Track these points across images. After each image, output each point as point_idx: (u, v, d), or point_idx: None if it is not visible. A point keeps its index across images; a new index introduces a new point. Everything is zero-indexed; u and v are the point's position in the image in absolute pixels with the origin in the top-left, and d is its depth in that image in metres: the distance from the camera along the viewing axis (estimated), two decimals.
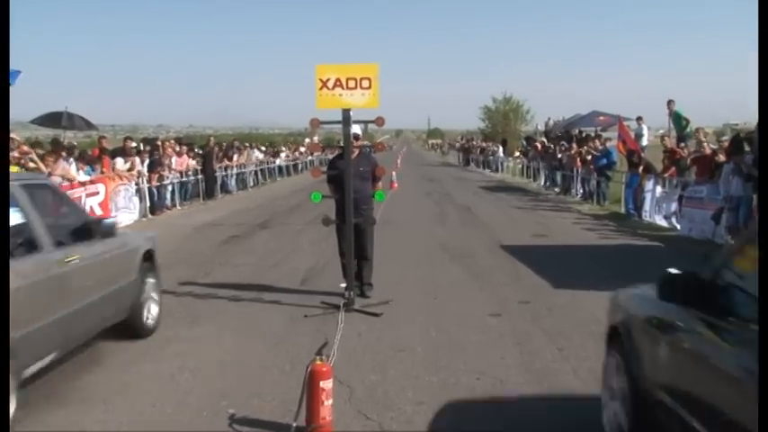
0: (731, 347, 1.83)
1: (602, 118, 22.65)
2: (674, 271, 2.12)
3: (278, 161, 31.68)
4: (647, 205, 13.49)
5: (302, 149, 38.23)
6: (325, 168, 6.88)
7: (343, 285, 6.46)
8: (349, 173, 6.39)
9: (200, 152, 20.19)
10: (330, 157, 10.00)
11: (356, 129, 6.71)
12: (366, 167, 6.70)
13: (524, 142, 34.75)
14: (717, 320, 1.91)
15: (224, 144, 23.39)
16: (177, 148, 18.21)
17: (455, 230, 12.36)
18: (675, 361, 1.96)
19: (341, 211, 6.53)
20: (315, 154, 38.73)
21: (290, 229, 12.52)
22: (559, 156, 21.57)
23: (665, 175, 13.26)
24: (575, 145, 20.18)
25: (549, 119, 42.45)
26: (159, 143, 18.14)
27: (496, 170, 35.43)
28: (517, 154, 35.05)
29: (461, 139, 68.71)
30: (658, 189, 13.20)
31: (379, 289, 7.09)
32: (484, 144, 45.99)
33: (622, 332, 2.38)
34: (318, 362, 3.74)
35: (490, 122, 49.83)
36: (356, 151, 6.61)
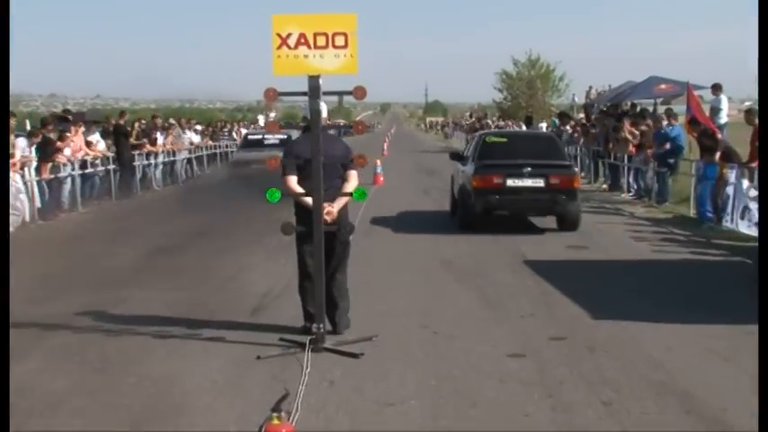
0: (464, 172, 13.10)
1: (663, 86, 22.89)
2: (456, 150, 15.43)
3: (224, 144, 31.95)
4: (728, 206, 13.40)
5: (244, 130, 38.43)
6: (283, 155, 6.93)
7: (309, 324, 6.45)
8: (318, 162, 6.44)
9: (112, 132, 20.13)
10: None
11: (321, 105, 6.81)
12: (338, 154, 6.75)
13: (556, 120, 35.04)
14: (462, 165, 13.60)
15: (144, 122, 23.39)
16: (82, 128, 18.19)
17: (463, 241, 12.43)
18: (456, 180, 13.96)
19: (306, 214, 6.58)
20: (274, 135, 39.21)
21: (237, 240, 12.54)
22: (605, 138, 21.77)
23: (753, 164, 12.59)
24: (626, 123, 20.32)
25: (591, 88, 42.84)
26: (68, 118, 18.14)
27: None
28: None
29: (470, 116, 69.28)
30: (744, 183, 12.79)
31: (359, 321, 7.14)
32: (501, 123, 46.47)
33: (453, 174, 14.27)
34: (275, 421, 3.76)
35: (510, 93, 50.21)
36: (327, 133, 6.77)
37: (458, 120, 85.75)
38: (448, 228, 13.96)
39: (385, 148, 43.95)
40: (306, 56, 6.28)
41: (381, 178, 23.19)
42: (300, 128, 7.09)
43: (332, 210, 6.59)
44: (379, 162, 24.17)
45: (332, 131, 8.24)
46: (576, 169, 16.53)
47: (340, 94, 6.68)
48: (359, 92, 6.31)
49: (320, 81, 6.25)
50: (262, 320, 7.45)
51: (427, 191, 21.05)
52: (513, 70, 50.16)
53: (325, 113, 6.82)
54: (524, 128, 36.90)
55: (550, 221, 13.81)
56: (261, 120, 45.30)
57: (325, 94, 6.43)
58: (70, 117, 19.07)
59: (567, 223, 13.20)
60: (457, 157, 14.80)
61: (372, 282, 8.99)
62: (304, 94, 6.34)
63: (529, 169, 12.81)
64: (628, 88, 25.78)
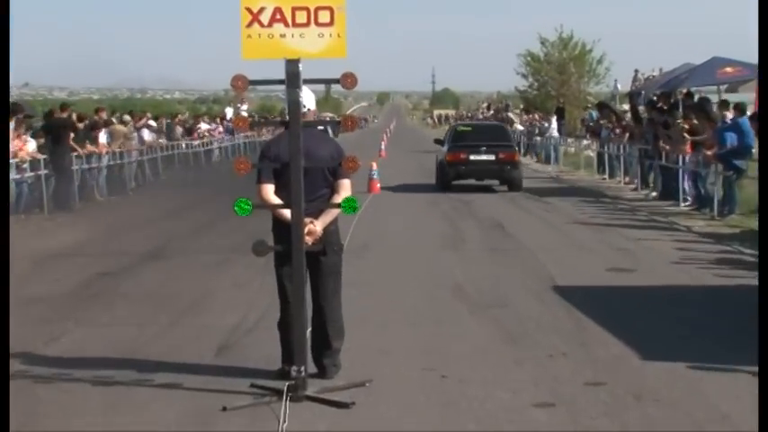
0: (442, 151, 24.71)
1: (728, 69, 22.81)
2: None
3: (193, 143, 32.25)
4: None
5: (205, 126, 38.84)
6: (256, 158, 6.95)
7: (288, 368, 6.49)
8: (297, 167, 6.44)
9: (46, 129, 20.14)
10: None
11: (308, 94, 6.71)
12: (325, 156, 6.77)
13: (594, 113, 35.11)
14: (442, 147, 24.81)
15: (85, 119, 23.45)
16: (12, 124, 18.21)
17: (478, 263, 12.48)
18: (437, 158, 25.16)
19: (283, 231, 6.60)
20: (242, 134, 39.28)
21: (199, 262, 12.55)
22: (654, 135, 21.80)
23: None
24: (680, 116, 20.40)
25: (637, 72, 42.87)
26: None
27: (547, 159, 35.96)
28: (583, 132, 35.41)
29: (488, 107, 69.35)
30: None
31: (350, 362, 7.13)
32: (526, 116, 46.67)
33: (437, 155, 24.73)
34: None
35: (536, 80, 50.32)
36: (313, 130, 6.73)
37: (473, 113, 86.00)
38: (459, 246, 14.01)
39: (383, 147, 44.22)
40: (282, 35, 6.28)
41: (378, 185, 23.29)
42: (279, 124, 7.04)
43: (314, 228, 6.60)
44: (374, 165, 24.25)
45: (321, 128, 8.24)
46: (517, 148, 26.80)
47: (324, 82, 6.70)
48: (348, 80, 6.32)
49: (300, 66, 6.26)
50: (229, 362, 7.43)
51: (435, 201, 21.14)
52: (540, 51, 50.07)
53: (311, 105, 6.84)
54: (554, 122, 37.21)
55: (602, 245, 13.78)
56: (229, 113, 45.62)
57: (307, 82, 6.42)
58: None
59: (513, 186, 23.46)
60: (439, 142, 26.06)
61: (367, 313, 8.99)
62: (280, 82, 6.34)
63: (485, 148, 23.35)
64: (684, 72, 25.83)
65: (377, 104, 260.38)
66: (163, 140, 30.57)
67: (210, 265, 12.29)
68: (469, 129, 26.52)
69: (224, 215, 15.98)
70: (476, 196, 22.08)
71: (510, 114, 47.93)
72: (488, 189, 23.78)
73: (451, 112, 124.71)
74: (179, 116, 38.58)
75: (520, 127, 44.60)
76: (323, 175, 6.75)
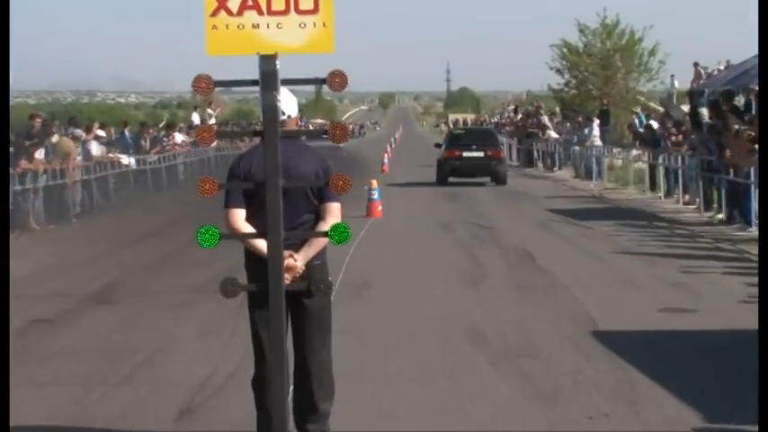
0: (441, 151, 37.32)
1: None
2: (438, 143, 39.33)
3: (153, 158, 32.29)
4: None
5: (180, 138, 38.89)
6: (227, 176, 6.90)
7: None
8: (274, 186, 6.38)
9: None
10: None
11: (288, 97, 6.73)
12: (309, 174, 6.74)
13: (643, 116, 35.02)
14: (440, 148, 37.64)
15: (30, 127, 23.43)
16: None
17: (502, 303, 12.45)
18: (438, 157, 36.95)
19: (258, 266, 6.54)
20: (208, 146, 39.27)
21: (157, 305, 12.51)
22: (718, 144, 21.72)
23: None
24: (748, 120, 20.35)
25: (698, 67, 42.69)
26: None
27: (588, 174, 35.82)
28: (631, 139, 35.28)
29: (514, 110, 68.64)
30: None
31: (342, 429, 7.06)
32: (562, 121, 46.30)
33: (437, 156, 36.58)
34: None
35: (574, 76, 50.24)
36: (297, 143, 6.74)
37: (497, 116, 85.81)
38: (479, 282, 13.96)
39: (386, 161, 44.13)
40: (255, 26, 6.17)
41: (379, 207, 23.27)
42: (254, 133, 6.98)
43: (295, 264, 6.57)
44: (374, 183, 24.23)
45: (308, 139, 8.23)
46: (503, 147, 39.86)
47: (307, 82, 6.56)
48: (336, 79, 6.16)
49: (278, 64, 6.19)
50: (193, 427, 7.38)
51: (449, 225, 21.12)
52: (578, 41, 50.02)
53: (291, 110, 6.82)
54: (596, 128, 37.22)
55: (654, 280, 13.87)
56: (195, 119, 45.64)
57: (286, 83, 6.33)
58: None
59: (498, 179, 34.25)
60: (438, 145, 37.78)
61: (364, 367, 8.95)
62: (253, 83, 6.26)
63: (475, 147, 35.00)
64: (755, 66, 25.79)
65: (379, 108, 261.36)
66: (117, 155, 30.47)
67: (171, 308, 12.25)
68: (463, 132, 44.07)
69: (187, 247, 15.99)
70: (499, 219, 22.19)
71: (544, 118, 47.01)
72: (515, 211, 24.01)
73: (471, 117, 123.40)
74: (147, 126, 38.54)
75: (554, 134, 44.51)
76: (306, 197, 6.71)
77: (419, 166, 43.02)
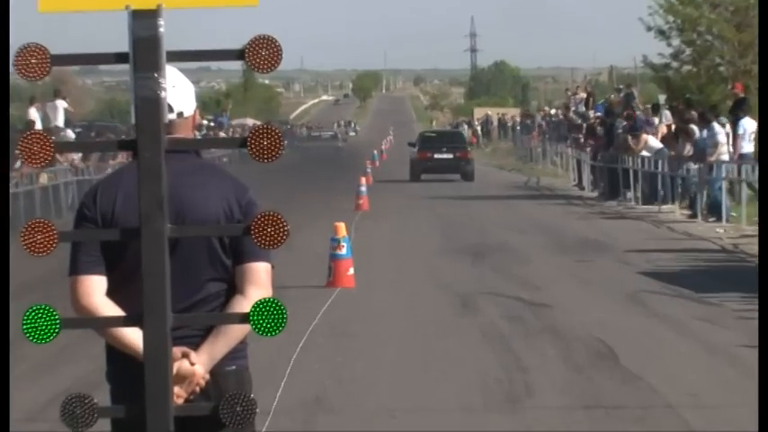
0: (414, 152, 57.30)
1: None
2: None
3: None
4: None
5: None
6: (74, 219, 5.36)
7: None
8: (156, 235, 4.67)
9: None
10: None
11: (181, 83, 5.18)
12: (215, 214, 5.18)
13: None
14: (413, 148, 58.97)
15: None
16: None
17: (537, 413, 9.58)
18: (411, 157, 58.40)
19: (128, 373, 5.00)
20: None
21: None
22: None
23: None
24: None
25: None
26: None
27: (714, 211, 24.47)
28: None
29: (586, 101, 46.47)
30: None
31: None
32: (672, 119, 29.92)
33: (410, 156, 55.52)
34: None
35: (687, 40, 34.54)
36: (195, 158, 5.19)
37: (559, 109, 55.98)
38: (519, 399, 10.51)
39: (363, 189, 33.87)
40: None
41: (351, 270, 17.01)
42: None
43: (192, 370, 5.01)
44: (343, 228, 17.77)
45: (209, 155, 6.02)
46: (469, 148, 56.42)
47: (208, 57, 4.93)
48: (260, 51, 4.56)
49: (162, 26, 4.62)
50: None
51: (470, 299, 15.83)
52: None
53: (185, 106, 5.23)
54: (722, 129, 27.29)
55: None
56: (33, 115, 37.61)
57: (176, 58, 4.76)
58: None
59: (465, 176, 49.70)
60: (411, 144, 54.85)
61: None
62: (120, 59, 4.65)
63: (445, 149, 51.90)
64: None
65: (353, 98, 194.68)
66: None
67: None
68: (434, 134, 59.36)
69: (14, 338, 11.44)
70: (558, 289, 17.14)
71: (637, 108, 34.20)
72: (585, 276, 18.60)
73: (514, 112, 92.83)
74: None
75: (655, 143, 30.86)
76: (211, 253, 5.15)
77: (420, 198, 37.50)
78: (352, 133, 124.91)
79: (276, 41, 4.52)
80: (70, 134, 34.96)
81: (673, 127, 32.11)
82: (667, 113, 34.11)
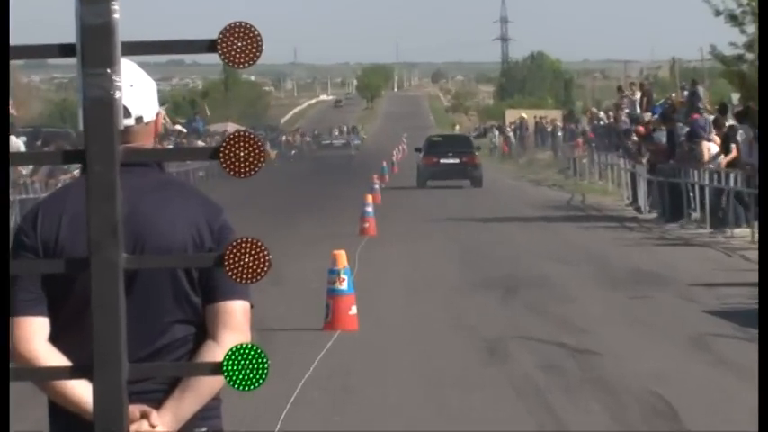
0: (420, 157, 63.43)
1: None
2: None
3: None
4: None
5: None
6: (11, 247, 4.98)
7: None
8: (110, 266, 4.23)
9: None
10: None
11: (140, 82, 4.78)
12: (181, 241, 4.78)
13: None
14: (420, 154, 64.48)
15: None
16: None
17: None
18: (417, 162, 64.24)
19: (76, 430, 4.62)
20: None
21: None
22: None
23: None
24: None
25: None
26: None
27: None
28: None
29: (641, 99, 42.51)
30: None
31: None
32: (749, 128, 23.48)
33: (416, 161, 60.42)
34: None
35: None
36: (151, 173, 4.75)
37: (620, 110, 44.68)
38: None
39: (368, 210, 30.73)
40: None
41: (351, 310, 15.68)
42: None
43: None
44: (342, 271, 15.79)
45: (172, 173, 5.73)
46: (477, 153, 56.66)
47: (176, 50, 4.33)
48: (235, 42, 4.06)
49: (116, 9, 4.04)
50: None
51: (499, 345, 13.98)
52: None
53: (144, 109, 4.81)
54: None
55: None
56: None
57: (134, 50, 4.28)
58: None
59: (474, 182, 52.02)
60: (418, 150, 57.56)
61: None
62: (65, 51, 4.16)
63: (452, 154, 54.73)
64: None
65: (357, 97, 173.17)
66: None
67: None
68: (441, 139, 59.72)
69: None
70: (607, 332, 15.37)
71: (705, 119, 29.51)
72: (639, 316, 16.89)
73: (554, 115, 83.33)
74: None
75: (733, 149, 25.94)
76: (175, 288, 4.74)
77: (434, 221, 33.05)
78: (356, 141, 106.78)
79: (254, 30, 3.92)
80: (17, 142, 30.85)
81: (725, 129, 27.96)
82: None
